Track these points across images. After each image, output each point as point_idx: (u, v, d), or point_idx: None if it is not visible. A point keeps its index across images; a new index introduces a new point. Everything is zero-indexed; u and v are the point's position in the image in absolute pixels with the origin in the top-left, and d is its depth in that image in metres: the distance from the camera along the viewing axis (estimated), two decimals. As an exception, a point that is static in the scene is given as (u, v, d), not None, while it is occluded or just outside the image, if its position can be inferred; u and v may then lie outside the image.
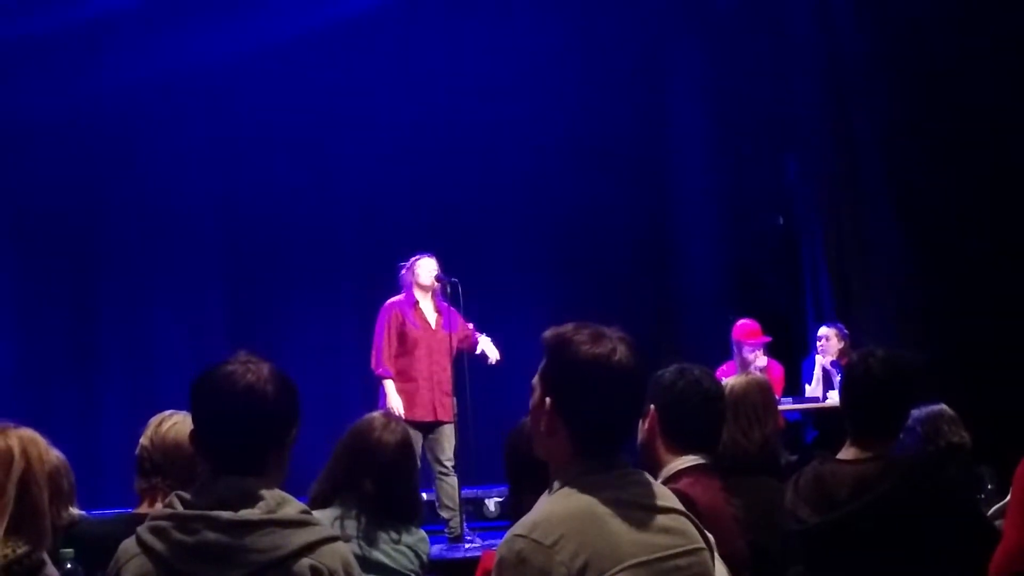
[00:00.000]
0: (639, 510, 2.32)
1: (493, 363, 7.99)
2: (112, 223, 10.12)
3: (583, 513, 2.27)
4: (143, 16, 9.22)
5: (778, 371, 8.80)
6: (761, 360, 8.67)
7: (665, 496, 2.42)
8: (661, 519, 2.34)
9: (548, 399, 2.37)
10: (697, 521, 2.42)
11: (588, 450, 2.35)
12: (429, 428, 7.88)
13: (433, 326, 7.95)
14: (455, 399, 7.89)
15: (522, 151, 10.55)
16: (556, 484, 2.35)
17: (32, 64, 9.30)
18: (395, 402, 7.72)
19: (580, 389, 2.35)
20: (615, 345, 2.36)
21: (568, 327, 2.40)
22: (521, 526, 2.28)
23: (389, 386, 7.83)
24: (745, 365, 8.51)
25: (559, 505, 2.30)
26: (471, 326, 8.15)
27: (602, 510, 2.27)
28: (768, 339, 8.77)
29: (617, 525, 2.27)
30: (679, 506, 2.41)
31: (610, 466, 2.35)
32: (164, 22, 9.31)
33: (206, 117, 10.14)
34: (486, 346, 8.04)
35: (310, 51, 10.16)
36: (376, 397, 7.93)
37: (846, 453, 3.48)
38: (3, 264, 9.79)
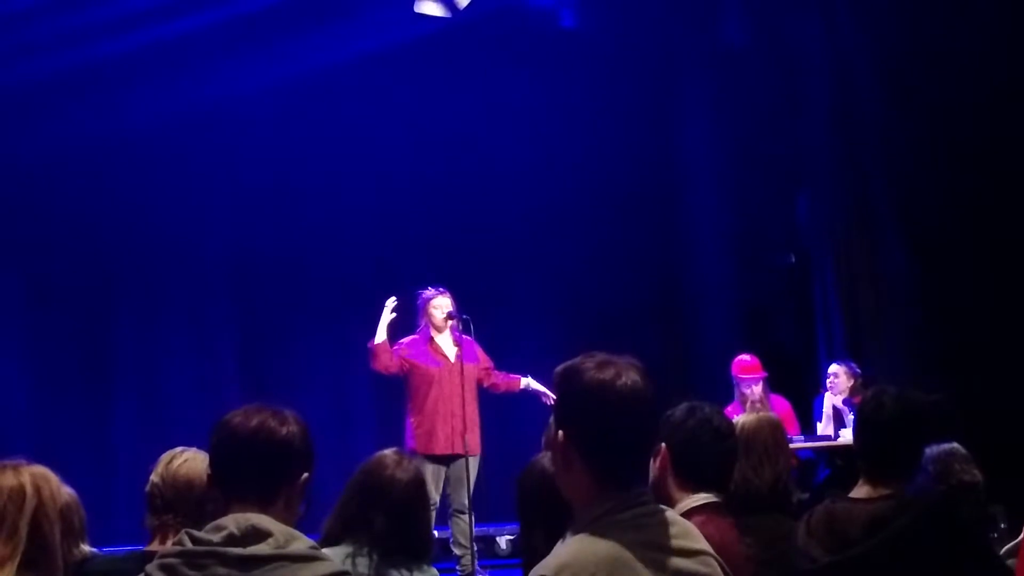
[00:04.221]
0: (666, 553, 2.28)
1: (550, 403, 7.61)
2: (126, 258, 10.16)
3: (610, 557, 2.22)
4: (161, 57, 9.28)
5: (783, 406, 8.73)
6: (756, 394, 8.62)
7: (691, 536, 2.38)
8: (687, 563, 2.31)
9: (560, 432, 2.35)
10: (723, 562, 2.40)
11: (607, 482, 2.31)
12: (450, 463, 7.82)
13: (452, 359, 7.92)
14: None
15: (532, 191, 10.58)
16: (580, 523, 2.31)
17: (51, 101, 9.36)
18: (385, 320, 7.88)
19: (589, 416, 2.32)
20: (621, 370, 2.32)
21: (577, 358, 2.38)
22: (546, 567, 2.23)
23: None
24: (744, 400, 8.49)
25: (586, 547, 2.25)
26: (491, 366, 8.13)
27: (629, 554, 2.23)
28: (765, 374, 8.72)
29: (644, 570, 2.23)
30: (706, 546, 2.38)
31: (634, 503, 2.31)
32: (183, 63, 9.37)
33: (221, 155, 10.20)
34: (534, 385, 7.96)
35: (325, 94, 10.25)
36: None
37: (859, 492, 3.46)
38: (17, 297, 9.82)
